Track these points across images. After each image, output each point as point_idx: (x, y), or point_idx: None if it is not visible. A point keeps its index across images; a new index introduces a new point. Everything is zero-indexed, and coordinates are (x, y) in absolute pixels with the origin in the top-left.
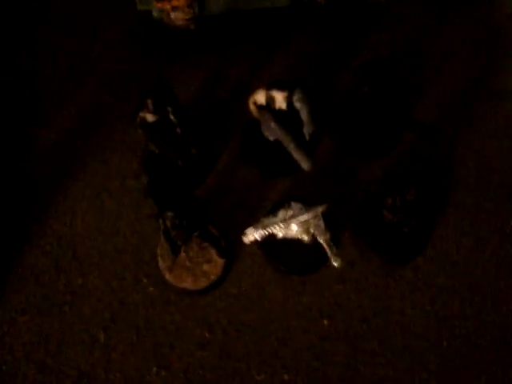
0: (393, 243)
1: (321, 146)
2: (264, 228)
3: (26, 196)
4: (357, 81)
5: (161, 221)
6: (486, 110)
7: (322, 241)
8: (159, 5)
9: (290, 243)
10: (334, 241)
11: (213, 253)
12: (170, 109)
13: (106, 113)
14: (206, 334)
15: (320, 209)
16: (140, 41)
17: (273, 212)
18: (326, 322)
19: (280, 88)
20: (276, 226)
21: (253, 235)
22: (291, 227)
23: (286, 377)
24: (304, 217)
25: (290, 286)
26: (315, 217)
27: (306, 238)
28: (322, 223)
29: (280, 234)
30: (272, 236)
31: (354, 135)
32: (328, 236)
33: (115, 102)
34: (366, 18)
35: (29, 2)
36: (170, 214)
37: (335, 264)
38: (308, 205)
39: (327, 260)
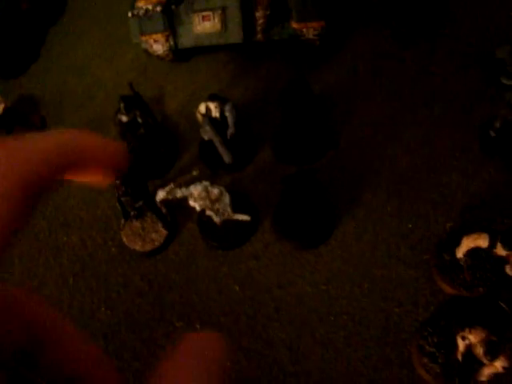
0: (301, 232)
1: (261, 155)
2: (168, 189)
3: None
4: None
5: (115, 190)
6: (406, 128)
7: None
8: (143, 38)
9: (221, 225)
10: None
11: (160, 225)
12: (137, 112)
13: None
14: (146, 287)
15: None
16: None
17: None
18: (237, 288)
19: (213, 100)
20: (172, 186)
21: (160, 195)
22: (191, 191)
23: (198, 326)
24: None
25: (214, 258)
26: (220, 193)
27: (215, 218)
28: (227, 199)
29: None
30: (207, 217)
31: (287, 145)
32: (228, 208)
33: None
34: (305, 56)
35: None
36: (117, 181)
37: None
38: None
39: (247, 241)
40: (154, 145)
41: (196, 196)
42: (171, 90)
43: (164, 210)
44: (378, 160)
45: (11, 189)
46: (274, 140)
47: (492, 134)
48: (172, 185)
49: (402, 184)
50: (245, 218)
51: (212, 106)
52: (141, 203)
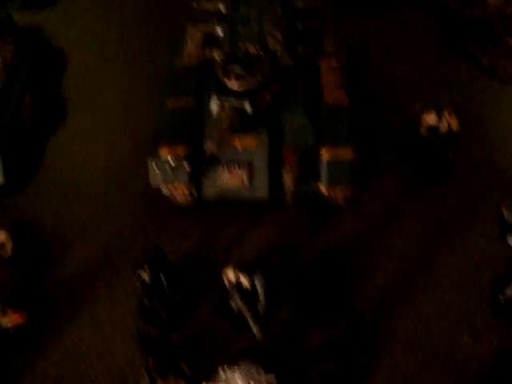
0: None
1: (281, 313)
2: None
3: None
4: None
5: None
6: (420, 295)
7: None
8: (166, 189)
9: None
10: None
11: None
12: (162, 274)
13: (115, 262)
14: None
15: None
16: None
17: None
18: None
19: (244, 271)
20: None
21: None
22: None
23: None
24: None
25: None
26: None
27: None
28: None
29: None
30: None
31: (307, 307)
32: None
33: (122, 254)
34: (327, 212)
35: None
36: (150, 359)
37: None
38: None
39: None
40: (173, 298)
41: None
42: (185, 230)
43: (185, 367)
44: (394, 321)
45: None
46: (294, 300)
47: (501, 299)
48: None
49: (419, 349)
50: None
51: (244, 278)
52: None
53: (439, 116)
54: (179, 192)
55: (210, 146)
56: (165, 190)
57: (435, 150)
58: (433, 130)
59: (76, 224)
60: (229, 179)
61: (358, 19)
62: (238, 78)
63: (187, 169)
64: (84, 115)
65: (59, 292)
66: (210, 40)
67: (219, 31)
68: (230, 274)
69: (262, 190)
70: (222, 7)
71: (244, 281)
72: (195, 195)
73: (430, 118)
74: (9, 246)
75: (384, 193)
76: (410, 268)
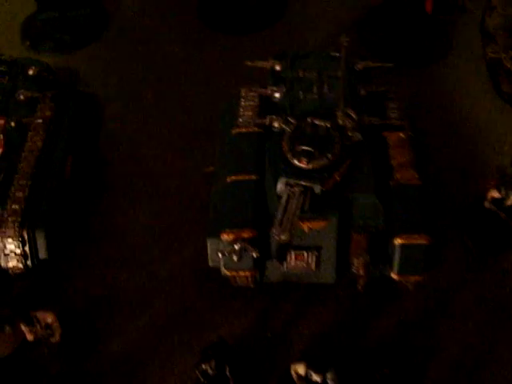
0: None
1: None
2: None
3: None
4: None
5: None
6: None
7: None
8: (228, 273)
9: None
10: None
11: None
12: (227, 367)
13: (165, 341)
14: None
15: None
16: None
17: None
18: None
19: (316, 369)
20: None
21: None
22: None
23: None
24: None
25: None
26: None
27: None
28: None
29: None
30: None
31: None
32: None
33: (173, 332)
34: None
35: None
36: None
37: None
38: None
39: None
40: None
41: None
42: (241, 307)
43: None
44: None
45: None
46: None
47: None
48: None
49: None
50: None
51: (315, 375)
52: None
53: (506, 189)
54: (241, 276)
55: (279, 235)
56: (224, 273)
57: (499, 222)
58: (497, 202)
59: (122, 296)
60: (295, 263)
61: (400, 70)
62: (308, 157)
63: (254, 256)
64: (124, 177)
65: (106, 372)
66: (267, 103)
67: (277, 94)
68: (300, 369)
69: (328, 274)
70: (277, 66)
71: (315, 377)
72: (258, 278)
73: (496, 192)
74: (57, 330)
75: (446, 269)
76: (475, 349)
